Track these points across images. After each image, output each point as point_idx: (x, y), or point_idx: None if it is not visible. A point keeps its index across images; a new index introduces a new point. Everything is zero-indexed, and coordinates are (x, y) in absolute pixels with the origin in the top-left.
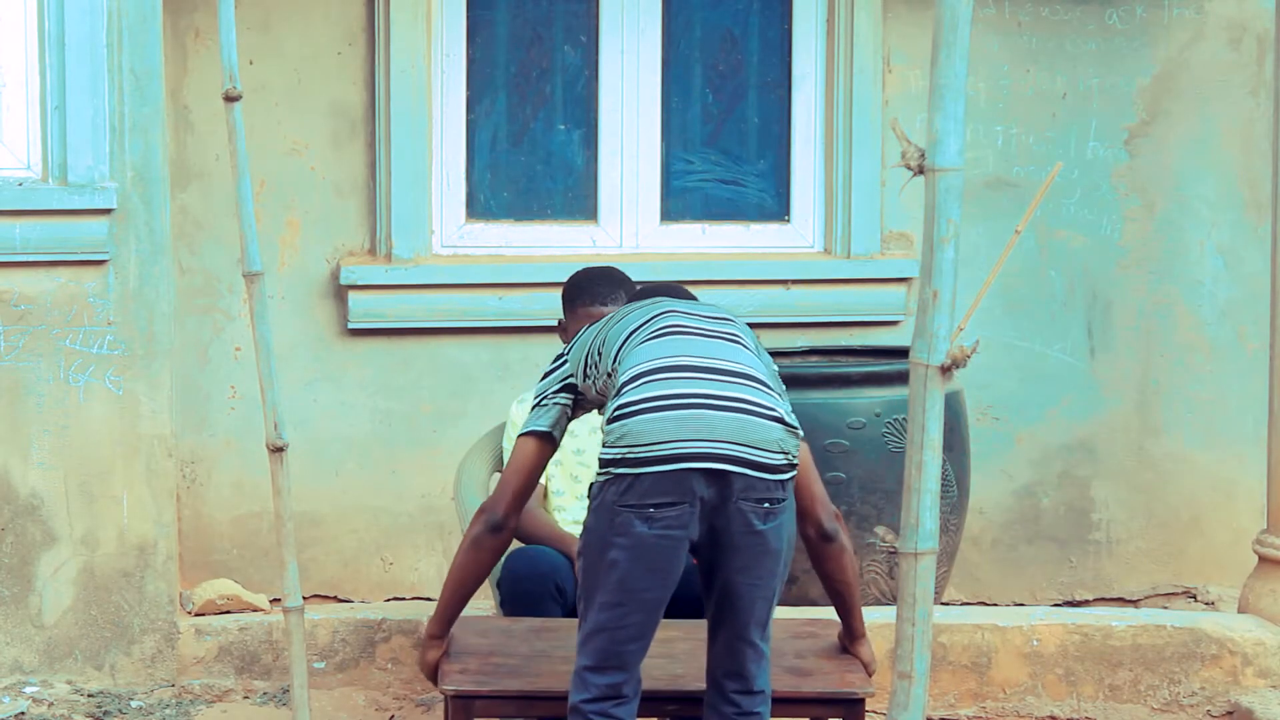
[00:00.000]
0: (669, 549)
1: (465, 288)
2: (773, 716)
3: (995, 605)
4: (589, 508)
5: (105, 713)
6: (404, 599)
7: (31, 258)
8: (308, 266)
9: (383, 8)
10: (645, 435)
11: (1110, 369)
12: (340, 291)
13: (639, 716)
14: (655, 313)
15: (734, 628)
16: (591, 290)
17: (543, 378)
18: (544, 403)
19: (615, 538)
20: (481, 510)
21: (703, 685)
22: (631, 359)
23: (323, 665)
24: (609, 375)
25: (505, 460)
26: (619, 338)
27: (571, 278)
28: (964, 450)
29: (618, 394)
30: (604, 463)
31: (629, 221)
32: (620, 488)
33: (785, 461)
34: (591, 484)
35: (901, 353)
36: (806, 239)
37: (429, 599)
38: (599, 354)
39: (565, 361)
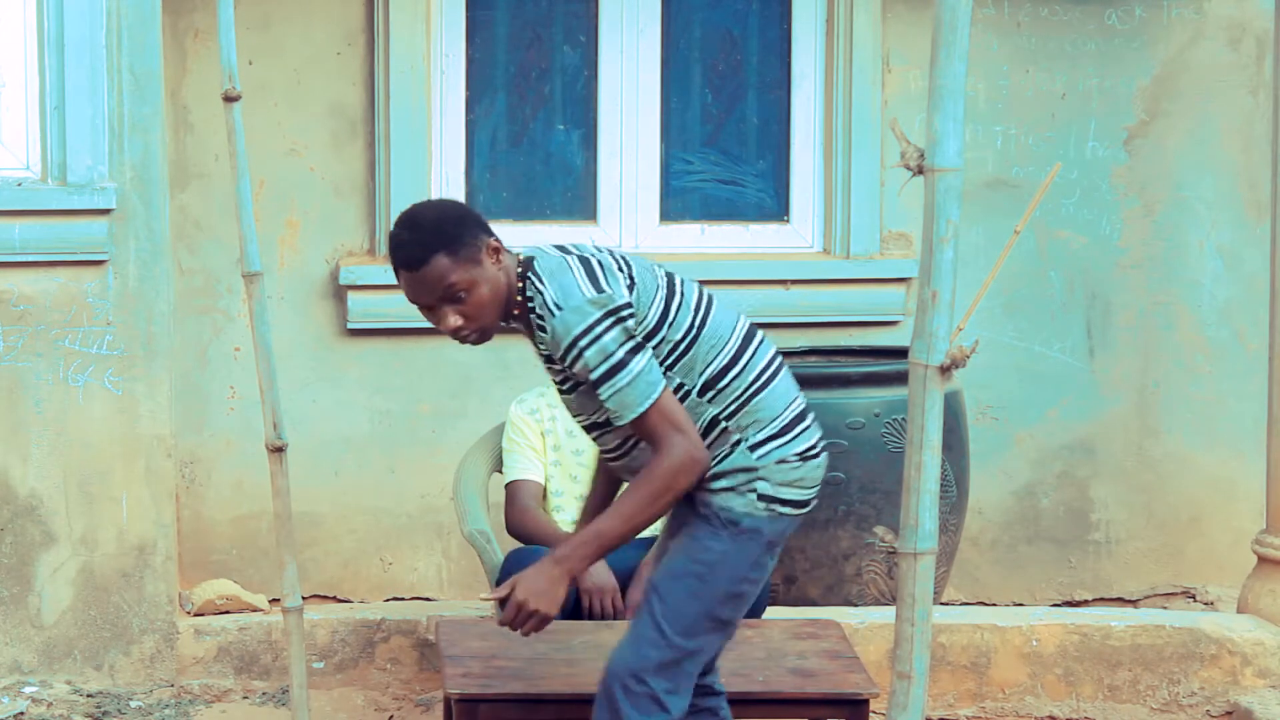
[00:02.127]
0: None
1: None
2: (777, 718)
3: (995, 605)
4: (727, 533)
5: (104, 713)
6: (403, 599)
7: (31, 258)
8: (307, 267)
9: (383, 8)
10: (812, 480)
11: (1110, 369)
12: (340, 291)
13: None
14: (749, 332)
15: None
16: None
17: (614, 321)
18: (651, 355)
19: (756, 572)
20: (688, 454)
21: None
22: (774, 397)
23: (322, 665)
24: (714, 387)
25: (505, 463)
26: (719, 346)
27: (461, 208)
28: (963, 450)
29: (785, 434)
30: (781, 500)
31: (628, 222)
32: (784, 526)
33: None
34: (735, 510)
35: (901, 353)
36: (806, 239)
37: (428, 599)
38: (686, 345)
39: (631, 315)
